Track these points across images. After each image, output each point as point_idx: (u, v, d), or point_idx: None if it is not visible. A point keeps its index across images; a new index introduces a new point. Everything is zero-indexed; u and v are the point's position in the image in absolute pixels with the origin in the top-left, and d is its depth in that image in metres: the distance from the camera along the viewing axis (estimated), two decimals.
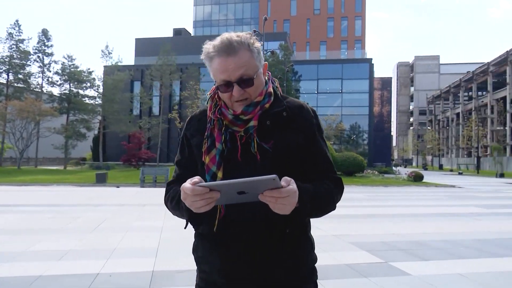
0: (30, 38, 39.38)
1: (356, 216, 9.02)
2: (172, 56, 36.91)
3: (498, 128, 47.18)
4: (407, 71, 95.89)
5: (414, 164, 79.94)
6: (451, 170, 48.35)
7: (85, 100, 38.29)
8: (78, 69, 37.12)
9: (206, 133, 1.27)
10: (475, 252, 5.58)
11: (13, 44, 36.13)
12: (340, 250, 5.60)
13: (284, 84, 32.95)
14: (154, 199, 12.60)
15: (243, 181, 1.02)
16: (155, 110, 42.46)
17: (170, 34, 55.73)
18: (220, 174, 1.22)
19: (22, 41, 36.54)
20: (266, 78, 1.34)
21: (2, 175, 23.71)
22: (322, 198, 1.24)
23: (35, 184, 18.84)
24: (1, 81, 37.01)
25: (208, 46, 1.24)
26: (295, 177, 1.15)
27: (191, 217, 1.21)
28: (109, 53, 37.83)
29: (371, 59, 43.13)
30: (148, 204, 11.15)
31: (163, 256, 5.24)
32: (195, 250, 1.36)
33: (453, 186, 20.68)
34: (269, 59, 37.37)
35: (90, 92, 38.50)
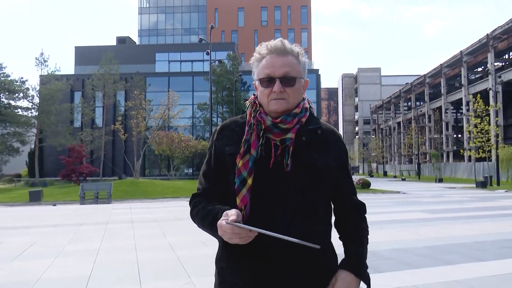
0: None
1: None
2: (114, 65, 35.30)
3: (435, 136, 50.22)
4: (352, 82, 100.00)
5: (360, 171, 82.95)
6: (395, 177, 50.65)
7: (17, 112, 35.26)
8: (9, 78, 34.19)
9: (245, 137, 1.29)
10: (428, 261, 5.49)
11: None
12: None
13: (233, 94, 32.75)
14: (94, 216, 11.64)
15: (278, 237, 1.10)
16: (98, 122, 40.35)
17: (113, 42, 53.64)
18: (250, 181, 1.24)
19: None
20: (304, 96, 1.38)
21: None
22: (366, 243, 1.43)
23: None
24: None
25: (262, 47, 1.32)
26: (324, 195, 1.32)
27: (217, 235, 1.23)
28: (45, 61, 35.25)
29: (318, 70, 44.29)
30: (85, 223, 10.21)
31: (94, 285, 4.59)
32: (219, 261, 1.35)
33: (398, 192, 21.40)
34: (217, 69, 37.14)
35: (24, 103, 35.62)
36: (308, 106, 1.37)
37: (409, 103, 63.96)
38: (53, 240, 7.76)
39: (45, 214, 13.22)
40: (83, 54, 46.27)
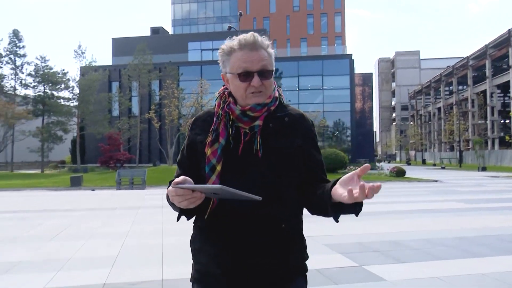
0: (1, 40, 37.83)
1: None
2: (148, 55, 36.05)
3: (479, 122, 47.74)
4: (388, 67, 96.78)
5: (397, 159, 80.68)
6: (434, 165, 48.86)
7: (60, 102, 37.06)
8: (52, 71, 35.86)
9: (212, 127, 1.34)
10: (455, 252, 5.29)
11: None
12: (312, 253, 5.20)
13: None
14: (128, 202, 12.10)
15: (199, 187, 1.15)
16: (135, 110, 41.49)
17: (148, 33, 54.69)
18: (219, 167, 1.30)
19: None
20: (274, 84, 1.42)
21: None
22: None
23: (6, 189, 18.03)
24: None
25: (232, 42, 1.34)
26: (292, 178, 1.35)
27: (182, 211, 1.28)
28: (82, 53, 36.61)
29: (351, 55, 43.07)
30: (119, 208, 10.65)
31: (120, 266, 4.80)
32: (192, 242, 1.42)
33: (435, 181, 20.67)
34: None
35: (65, 94, 37.35)
36: (278, 95, 1.42)
37: (451, 87, 61.09)
38: (87, 223, 8.17)
39: (83, 198, 13.90)
40: (120, 45, 47.51)
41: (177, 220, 1.34)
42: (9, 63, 36.58)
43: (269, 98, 1.37)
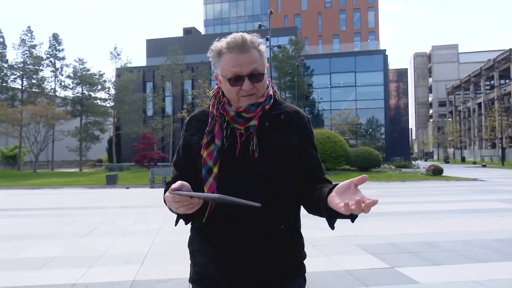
0: (42, 43, 39.80)
1: (366, 214, 8.43)
2: (180, 56, 36.66)
3: None
4: (425, 62, 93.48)
5: (435, 157, 77.80)
6: (474, 163, 46.73)
7: (97, 103, 38.47)
8: (89, 72, 37.30)
9: (207, 129, 1.32)
10: (495, 255, 4.98)
11: (26, 50, 36.55)
12: (342, 254, 5.10)
13: (295, 79, 32.33)
14: (160, 200, 12.28)
15: (197, 195, 1.12)
16: (169, 110, 42.29)
17: (180, 33, 55.63)
18: (215, 170, 1.28)
19: (34, 46, 36.95)
20: (267, 81, 1.38)
21: (18, 179, 23.98)
22: None
23: (46, 187, 18.87)
24: (17, 87, 37.56)
25: (220, 43, 1.29)
26: (290, 177, 1.33)
27: (180, 216, 1.26)
28: (118, 54, 37.89)
29: (385, 50, 41.87)
30: (152, 206, 10.85)
31: (149, 263, 4.86)
32: (190, 244, 1.41)
33: (475, 180, 19.73)
34: (278, 54, 36.80)
35: (102, 94, 38.74)
36: (272, 93, 1.39)
37: (492, 82, 58.15)
38: (120, 220, 8.36)
39: (117, 196, 14.30)
40: (154, 46, 48.59)
41: (175, 225, 1.33)
42: (49, 66, 38.35)
43: (263, 97, 1.34)
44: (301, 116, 1.42)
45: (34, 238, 6.47)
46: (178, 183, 1.17)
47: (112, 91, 38.06)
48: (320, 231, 6.18)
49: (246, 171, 1.28)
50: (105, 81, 37.86)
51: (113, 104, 37.93)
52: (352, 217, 1.16)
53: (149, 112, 42.97)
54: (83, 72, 37.21)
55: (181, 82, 38.97)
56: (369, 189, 14.97)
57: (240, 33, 1.30)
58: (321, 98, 41.84)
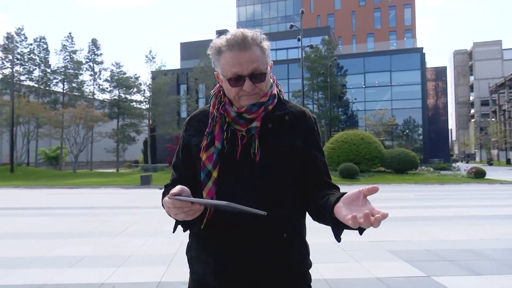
0: (82, 49, 41.49)
1: (400, 218, 8.10)
2: None
3: None
4: (465, 59, 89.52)
5: (477, 159, 74.22)
6: None
7: (133, 105, 39.67)
8: (126, 75, 38.53)
9: (207, 130, 1.26)
10: None
11: (67, 55, 38.37)
12: (374, 260, 4.86)
13: (328, 80, 31.82)
14: None
15: (205, 202, 1.06)
16: None
17: (213, 36, 56.35)
18: (215, 174, 1.21)
19: (75, 52, 38.73)
20: (271, 80, 1.32)
21: (58, 179, 25.05)
22: None
23: (84, 186, 19.57)
24: (58, 90, 39.42)
25: (220, 41, 1.23)
26: (293, 181, 1.26)
27: (178, 222, 1.21)
28: (153, 58, 38.85)
29: (422, 48, 40.42)
30: None
31: (176, 264, 4.85)
32: (188, 250, 1.35)
33: None
34: (311, 55, 36.38)
35: (137, 97, 39.92)
36: (276, 92, 1.32)
37: None
38: (152, 221, 8.47)
39: (151, 196, 14.57)
40: (187, 49, 49.48)
41: (173, 232, 1.28)
42: (88, 70, 40.08)
43: (266, 97, 1.27)
44: (307, 117, 1.34)
45: (68, 237, 6.65)
46: (178, 187, 1.10)
47: (147, 94, 39.14)
48: (350, 235, 5.91)
49: (247, 175, 1.21)
50: (140, 84, 39.04)
51: (148, 106, 38.97)
52: (360, 230, 1.05)
53: (183, 114, 43.78)
54: (120, 76, 38.55)
55: (214, 84, 39.41)
56: (405, 192, 14.42)
57: (241, 29, 1.22)
58: (355, 99, 40.98)
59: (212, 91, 1.35)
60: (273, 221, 1.20)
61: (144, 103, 39.73)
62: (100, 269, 4.67)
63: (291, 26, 19.72)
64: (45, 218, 9.01)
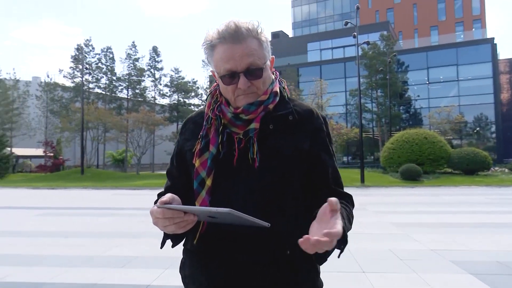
0: (143, 56, 43.95)
1: (467, 225, 7.37)
2: None
3: None
4: None
5: None
6: None
7: (191, 108, 41.03)
8: (184, 80, 39.99)
9: (201, 133, 1.15)
10: None
11: (131, 63, 40.68)
12: (435, 272, 4.40)
13: (387, 77, 30.43)
14: None
15: (203, 210, 0.91)
16: None
17: (268, 38, 56.59)
18: (209, 182, 1.09)
19: (137, 59, 40.97)
20: (273, 76, 1.21)
21: (123, 180, 26.53)
22: (351, 224, 1.08)
23: (145, 188, 20.49)
24: (123, 97, 41.95)
25: (211, 33, 1.11)
26: (297, 189, 1.12)
27: (167, 236, 1.09)
28: (209, 62, 39.91)
29: (493, 38, 37.21)
30: None
31: None
32: (182, 268, 1.23)
33: None
34: (368, 52, 35.05)
35: (195, 101, 41.26)
36: (278, 90, 1.18)
37: None
38: None
39: None
40: None
41: (161, 247, 1.15)
42: (150, 77, 42.17)
43: (265, 94, 1.13)
44: (314, 116, 1.19)
45: (124, 237, 6.89)
46: (168, 195, 0.99)
47: (204, 97, 40.21)
48: (410, 243, 5.48)
49: (244, 182, 1.07)
50: (198, 87, 40.31)
51: None
52: (340, 247, 0.97)
53: None
54: (179, 81, 40.12)
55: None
56: (475, 195, 13.24)
57: (234, 20, 1.09)
58: (418, 96, 38.76)
59: (209, 90, 1.25)
60: (274, 235, 1.05)
61: (202, 107, 40.83)
62: (148, 270, 4.73)
63: (346, 23, 19.07)
64: (107, 218, 9.48)
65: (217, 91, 1.21)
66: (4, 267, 4.91)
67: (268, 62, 1.15)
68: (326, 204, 0.89)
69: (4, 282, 4.32)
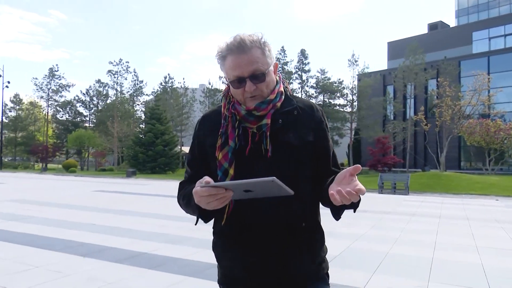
0: (292, 60, 45.40)
1: None
2: (420, 54, 34.21)
3: None
4: None
5: None
6: None
7: (336, 109, 40.78)
8: (330, 81, 39.98)
9: (221, 130, 1.34)
10: None
11: (280, 67, 42.72)
12: None
13: None
14: (392, 206, 11.93)
15: (246, 182, 1.06)
16: (411, 113, 40.00)
17: (424, 30, 51.89)
18: (231, 171, 1.29)
19: (286, 63, 42.79)
20: (277, 78, 1.40)
21: None
22: None
23: None
24: None
25: (221, 46, 1.31)
26: (307, 173, 1.33)
27: (201, 214, 1.27)
28: (355, 61, 38.99)
29: None
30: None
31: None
32: (214, 248, 1.44)
33: None
34: None
35: (340, 101, 40.86)
36: (282, 90, 1.39)
37: None
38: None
39: None
40: (395, 48, 47.27)
41: (195, 224, 1.36)
42: (297, 79, 43.54)
43: (273, 94, 1.34)
44: (314, 110, 1.40)
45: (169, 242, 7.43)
46: (207, 177, 1.14)
47: (350, 97, 39.62)
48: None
49: (261, 170, 1.26)
50: (343, 88, 39.79)
51: (350, 110, 39.37)
52: (354, 207, 1.21)
53: (391, 116, 42.01)
54: (324, 82, 40.33)
55: (424, 83, 36.33)
56: None
57: (240, 34, 1.30)
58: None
59: (221, 93, 1.43)
60: (292, 214, 1.29)
61: (347, 107, 40.37)
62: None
63: None
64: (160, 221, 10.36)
65: (229, 93, 1.38)
66: (155, 243, 6.04)
67: (271, 68, 1.34)
68: (346, 169, 1.15)
69: (153, 254, 5.36)
